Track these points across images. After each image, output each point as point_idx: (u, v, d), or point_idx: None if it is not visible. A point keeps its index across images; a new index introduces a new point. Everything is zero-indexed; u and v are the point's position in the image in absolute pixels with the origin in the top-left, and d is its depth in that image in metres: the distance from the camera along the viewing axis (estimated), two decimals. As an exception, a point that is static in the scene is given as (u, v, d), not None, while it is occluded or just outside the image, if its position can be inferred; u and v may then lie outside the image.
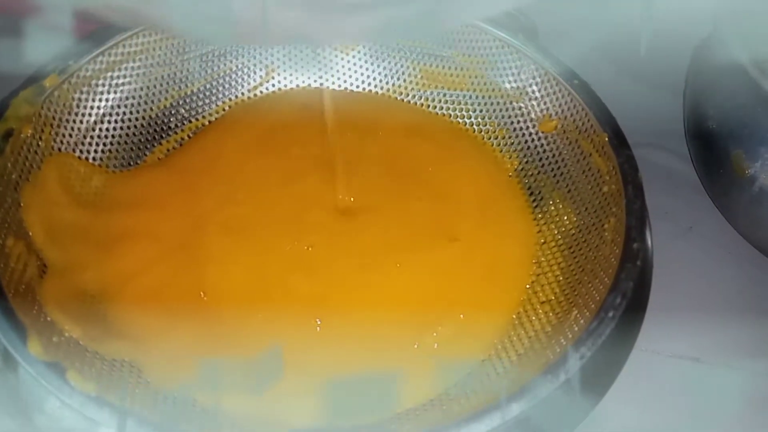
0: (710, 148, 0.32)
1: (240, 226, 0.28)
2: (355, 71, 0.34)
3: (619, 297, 0.24)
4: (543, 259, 0.29)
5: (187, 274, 0.27)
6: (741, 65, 0.29)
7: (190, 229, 0.28)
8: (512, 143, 0.32)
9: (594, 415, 0.25)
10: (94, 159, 0.31)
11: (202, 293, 0.27)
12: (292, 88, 0.34)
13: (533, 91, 0.31)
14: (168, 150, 0.32)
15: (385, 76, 0.34)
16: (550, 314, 0.27)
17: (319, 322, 0.26)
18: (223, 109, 0.33)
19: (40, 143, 0.29)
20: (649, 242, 0.27)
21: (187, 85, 0.33)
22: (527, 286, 0.28)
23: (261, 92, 0.34)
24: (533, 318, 0.27)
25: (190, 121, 0.33)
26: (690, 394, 0.28)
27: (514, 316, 0.28)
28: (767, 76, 0.28)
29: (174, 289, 0.27)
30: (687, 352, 0.30)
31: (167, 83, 0.32)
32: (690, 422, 0.28)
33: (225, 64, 0.33)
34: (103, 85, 0.31)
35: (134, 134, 0.32)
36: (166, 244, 0.28)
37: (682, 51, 0.34)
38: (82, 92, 0.30)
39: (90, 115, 0.31)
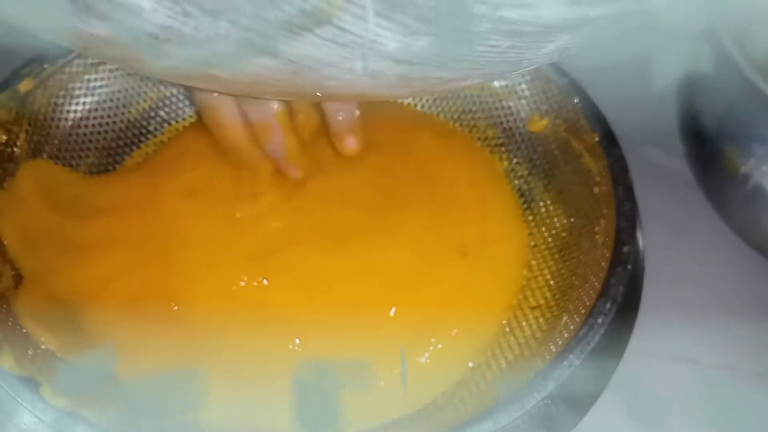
0: (703, 145, 0.31)
1: (218, 233, 0.27)
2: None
3: (609, 302, 0.24)
4: (534, 262, 0.28)
5: (163, 282, 0.26)
6: (734, 62, 0.28)
7: (166, 235, 0.27)
8: (502, 143, 0.31)
9: (584, 423, 0.24)
10: (71, 164, 0.30)
11: (173, 304, 0.26)
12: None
13: (522, 90, 0.31)
14: (147, 154, 0.32)
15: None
16: (541, 320, 0.26)
17: (297, 342, 0.25)
18: (204, 111, 0.33)
19: (15, 149, 0.28)
20: (641, 244, 0.26)
21: (165, 87, 0.32)
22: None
23: (242, 93, 0.33)
24: (524, 324, 0.27)
25: (169, 124, 0.32)
26: (686, 397, 0.28)
27: (505, 322, 0.27)
28: (760, 73, 0.28)
29: (152, 295, 0.26)
30: (682, 353, 0.29)
31: (145, 85, 0.32)
32: (683, 425, 0.27)
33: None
34: (80, 89, 0.30)
35: (112, 138, 0.31)
36: (144, 250, 0.27)
37: (676, 47, 0.33)
38: (58, 96, 0.30)
39: (67, 119, 0.30)
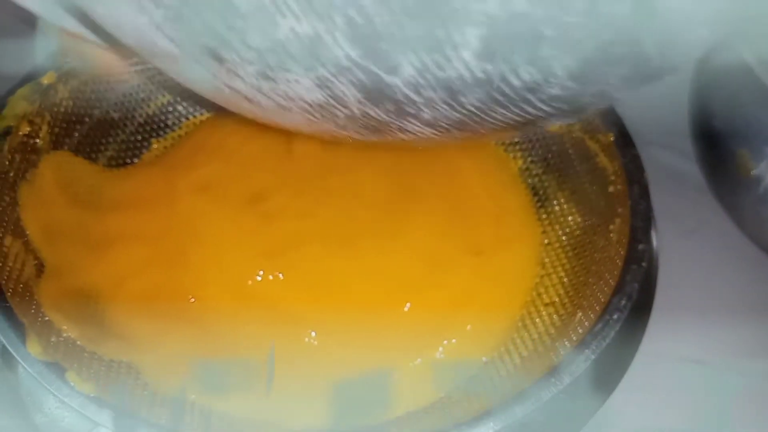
0: (715, 147, 0.31)
1: (232, 230, 0.28)
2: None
3: (624, 299, 0.24)
4: (547, 260, 0.29)
5: (181, 276, 0.27)
6: (746, 64, 0.28)
7: (181, 231, 0.28)
8: (517, 142, 0.32)
9: (597, 419, 0.25)
10: (91, 157, 0.30)
11: (191, 297, 0.26)
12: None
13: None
14: (165, 148, 0.32)
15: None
16: (554, 316, 0.27)
17: (313, 335, 0.26)
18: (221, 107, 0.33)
19: (37, 141, 0.29)
20: (655, 243, 0.27)
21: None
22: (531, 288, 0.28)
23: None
24: (537, 320, 0.27)
25: (187, 119, 0.33)
26: (694, 397, 0.28)
27: (518, 319, 0.27)
28: (773, 75, 0.28)
29: (168, 290, 0.26)
30: (691, 354, 0.29)
31: (165, 80, 0.32)
32: (695, 425, 0.27)
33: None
34: (101, 83, 0.31)
35: (131, 132, 0.31)
36: (160, 245, 0.27)
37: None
38: (79, 90, 0.30)
39: (87, 112, 0.30)
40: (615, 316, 0.23)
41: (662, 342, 0.28)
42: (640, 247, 0.25)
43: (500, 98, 0.19)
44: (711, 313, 0.30)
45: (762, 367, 0.29)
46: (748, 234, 0.32)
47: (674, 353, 0.29)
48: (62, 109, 0.30)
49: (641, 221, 0.26)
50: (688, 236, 0.33)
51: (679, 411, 0.28)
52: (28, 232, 0.27)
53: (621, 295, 0.24)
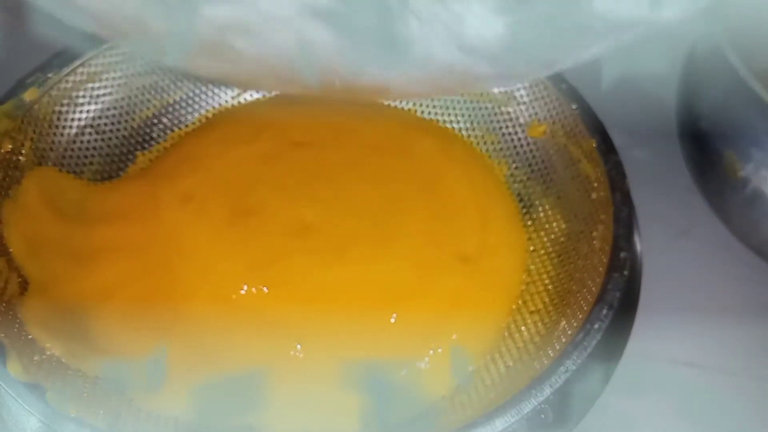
0: (702, 149, 0.31)
1: (218, 242, 0.28)
2: (341, 76, 0.33)
3: (606, 308, 0.24)
4: (533, 267, 0.29)
5: (167, 289, 0.27)
6: (732, 66, 0.28)
7: (166, 244, 0.28)
8: (501, 149, 0.32)
9: (584, 425, 0.25)
10: (75, 172, 0.30)
11: (177, 310, 0.26)
12: (276, 95, 0.33)
13: (521, 96, 0.31)
14: (150, 160, 0.32)
15: (372, 80, 0.33)
16: (539, 324, 0.27)
17: (299, 347, 0.26)
18: (206, 118, 0.33)
19: (20, 158, 0.29)
20: (638, 250, 0.27)
21: (169, 94, 0.32)
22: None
23: (245, 99, 0.33)
24: (522, 328, 0.27)
25: (172, 130, 0.33)
26: (684, 400, 0.28)
27: (505, 326, 0.27)
28: (758, 78, 0.28)
29: (155, 304, 0.26)
30: (681, 356, 0.29)
31: (149, 93, 0.32)
32: (685, 429, 0.27)
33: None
34: (84, 97, 0.31)
35: (116, 145, 0.31)
36: (144, 260, 0.27)
37: (675, 51, 0.33)
38: (62, 105, 0.30)
39: (71, 127, 0.30)
40: (596, 326, 0.23)
41: (651, 343, 0.28)
42: (622, 255, 0.25)
43: None
44: (700, 314, 0.30)
45: (750, 368, 0.29)
46: (737, 234, 0.32)
47: (664, 355, 0.29)
48: (45, 125, 0.30)
49: (623, 228, 0.25)
50: (676, 237, 0.33)
51: (667, 414, 0.28)
52: (11, 249, 0.27)
53: (602, 305, 0.24)
